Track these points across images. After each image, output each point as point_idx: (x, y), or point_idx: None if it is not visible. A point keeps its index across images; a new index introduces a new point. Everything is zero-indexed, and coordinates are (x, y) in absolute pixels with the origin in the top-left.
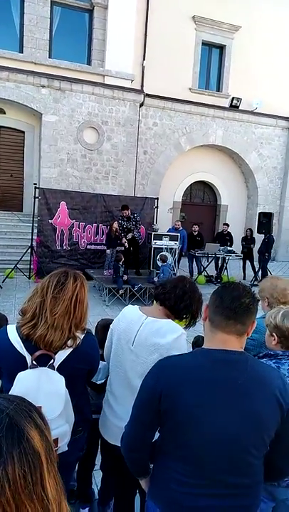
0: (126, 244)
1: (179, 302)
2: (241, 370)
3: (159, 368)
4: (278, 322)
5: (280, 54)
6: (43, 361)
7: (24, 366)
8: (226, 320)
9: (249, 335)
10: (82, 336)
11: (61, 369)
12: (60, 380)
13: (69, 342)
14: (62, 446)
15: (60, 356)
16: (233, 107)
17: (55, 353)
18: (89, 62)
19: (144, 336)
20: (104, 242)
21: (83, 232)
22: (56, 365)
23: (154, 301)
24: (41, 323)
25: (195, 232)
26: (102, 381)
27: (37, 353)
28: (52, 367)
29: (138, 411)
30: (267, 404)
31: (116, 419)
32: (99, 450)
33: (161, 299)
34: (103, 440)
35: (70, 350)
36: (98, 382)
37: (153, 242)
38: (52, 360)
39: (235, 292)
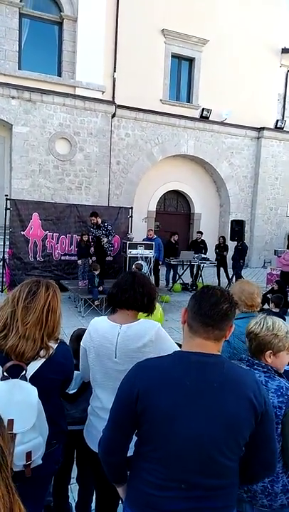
0: (105, 241)
1: (143, 298)
2: (217, 372)
3: (136, 369)
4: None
5: (247, 66)
6: (15, 372)
7: None
8: (204, 327)
9: (227, 338)
10: (55, 346)
11: (34, 380)
12: (33, 391)
13: (41, 352)
14: (36, 459)
15: (33, 367)
16: (204, 117)
17: (27, 364)
18: (59, 74)
19: (124, 345)
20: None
21: (57, 243)
22: (28, 376)
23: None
24: (12, 334)
25: (174, 241)
26: (75, 391)
27: (8, 364)
28: (24, 378)
29: (116, 413)
30: (241, 406)
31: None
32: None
33: (129, 304)
34: (84, 451)
35: (43, 360)
36: (70, 392)
37: (128, 251)
38: (24, 371)
39: (213, 298)
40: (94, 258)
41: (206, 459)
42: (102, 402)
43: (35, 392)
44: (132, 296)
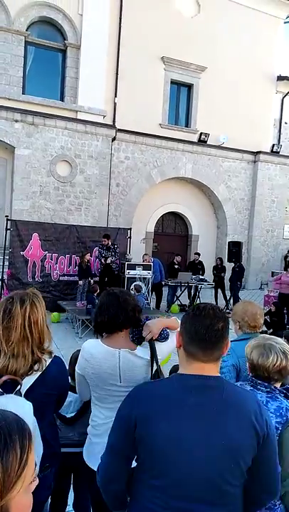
0: (109, 260)
1: (134, 314)
2: (218, 396)
3: (133, 395)
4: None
5: (244, 92)
6: (9, 388)
7: None
8: (203, 351)
9: (224, 354)
10: (49, 360)
11: (28, 395)
12: (29, 407)
13: (35, 366)
14: None
15: (28, 382)
16: (202, 141)
17: (22, 379)
18: (62, 99)
19: (128, 370)
20: (77, 273)
21: (56, 264)
22: (23, 391)
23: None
24: (1, 355)
25: (176, 262)
26: (73, 414)
27: (3, 378)
28: (19, 393)
29: (114, 439)
30: (243, 430)
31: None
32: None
33: (124, 326)
34: (83, 473)
35: (38, 374)
36: (68, 416)
37: (126, 271)
38: (19, 386)
39: (207, 320)
40: (95, 279)
41: (208, 486)
42: (106, 421)
43: (31, 407)
44: (125, 318)
